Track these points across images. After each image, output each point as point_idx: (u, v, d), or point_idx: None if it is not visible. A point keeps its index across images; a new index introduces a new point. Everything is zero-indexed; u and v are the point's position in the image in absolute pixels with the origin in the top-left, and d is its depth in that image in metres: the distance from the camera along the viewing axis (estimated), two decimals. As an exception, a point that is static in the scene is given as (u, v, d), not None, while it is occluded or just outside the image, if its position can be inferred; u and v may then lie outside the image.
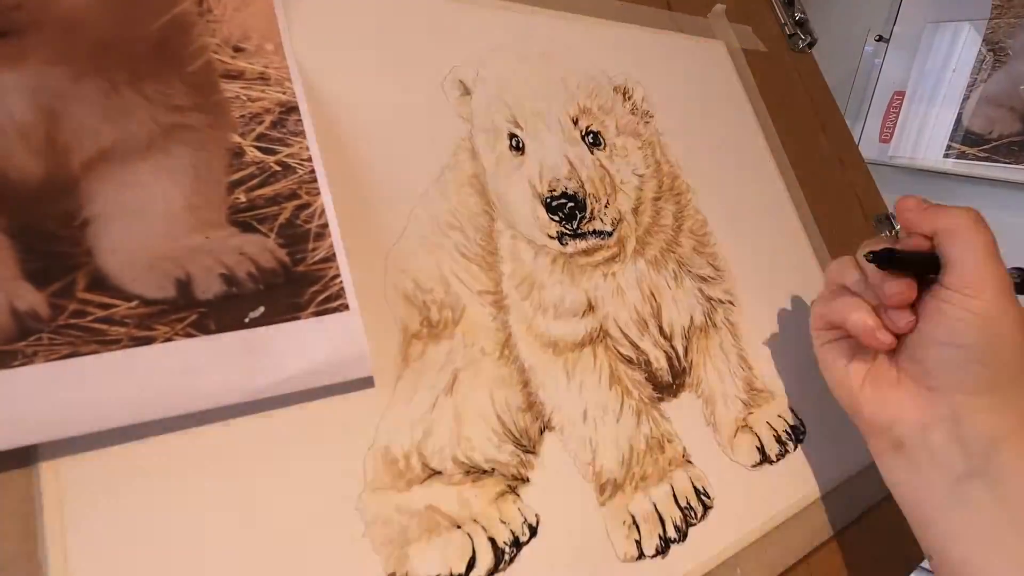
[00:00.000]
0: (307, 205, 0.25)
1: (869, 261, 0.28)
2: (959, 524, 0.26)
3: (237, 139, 0.25)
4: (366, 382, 0.26)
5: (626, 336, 0.35)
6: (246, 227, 0.24)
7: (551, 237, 0.33)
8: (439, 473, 0.27)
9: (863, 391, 0.31)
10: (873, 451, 0.31)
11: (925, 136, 1.45)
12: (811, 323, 0.34)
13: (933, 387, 0.28)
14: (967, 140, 1.34)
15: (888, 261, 0.27)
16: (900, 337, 0.30)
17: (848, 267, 0.32)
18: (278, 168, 0.25)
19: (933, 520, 0.28)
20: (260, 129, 0.25)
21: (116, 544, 0.20)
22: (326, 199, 0.25)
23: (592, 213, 0.35)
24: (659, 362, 0.35)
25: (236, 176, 0.24)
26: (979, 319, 0.26)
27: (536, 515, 0.28)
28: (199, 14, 0.25)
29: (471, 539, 0.26)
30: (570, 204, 0.34)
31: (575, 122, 0.36)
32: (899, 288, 0.28)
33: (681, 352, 0.37)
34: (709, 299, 0.39)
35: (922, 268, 0.28)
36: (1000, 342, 0.26)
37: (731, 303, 0.41)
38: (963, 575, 0.26)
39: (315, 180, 0.25)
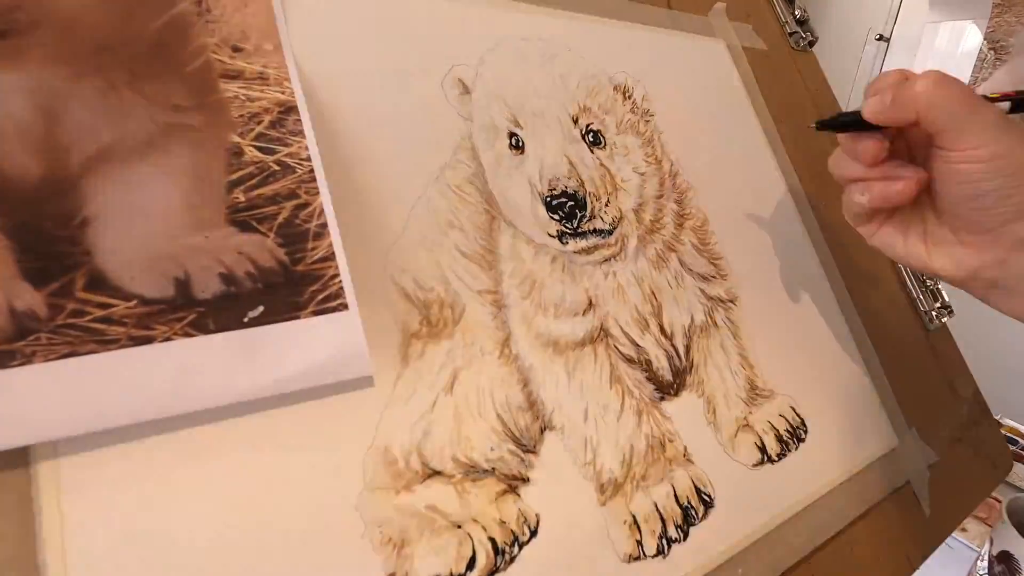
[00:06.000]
0: (306, 204, 0.25)
1: (817, 130, 0.33)
2: None
3: (236, 139, 0.25)
4: (365, 381, 0.25)
5: (627, 335, 0.34)
6: (245, 226, 0.24)
7: (551, 236, 0.33)
8: (439, 473, 0.27)
9: (933, 260, 0.32)
10: (975, 296, 0.33)
11: (926, 135, 1.45)
12: (853, 225, 0.36)
13: (987, 229, 0.30)
14: (968, 139, 1.34)
15: (831, 126, 0.33)
16: (936, 200, 0.31)
17: (838, 159, 0.34)
18: (277, 168, 0.25)
19: None
20: (259, 129, 0.25)
21: (115, 545, 0.20)
22: (325, 198, 0.25)
23: (592, 212, 0.34)
24: (660, 361, 0.35)
25: (235, 176, 0.24)
26: (985, 164, 0.28)
27: (536, 515, 0.28)
28: (198, 14, 0.25)
29: (471, 539, 0.26)
30: (570, 203, 0.34)
31: (575, 121, 0.36)
32: (866, 146, 0.31)
33: (682, 351, 0.37)
34: (710, 298, 0.39)
35: (860, 124, 0.31)
36: (1015, 169, 0.28)
37: (732, 302, 0.40)
38: None
39: (314, 180, 0.25)
